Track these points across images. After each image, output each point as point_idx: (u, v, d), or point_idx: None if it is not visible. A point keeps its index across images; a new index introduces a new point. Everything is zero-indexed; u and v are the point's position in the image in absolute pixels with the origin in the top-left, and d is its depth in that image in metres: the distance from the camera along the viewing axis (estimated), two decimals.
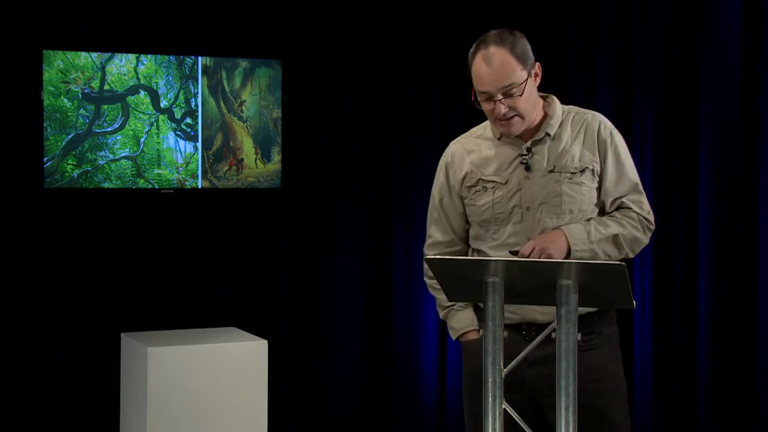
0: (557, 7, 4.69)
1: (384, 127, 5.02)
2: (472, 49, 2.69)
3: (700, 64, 3.95)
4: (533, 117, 2.73)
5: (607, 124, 2.78)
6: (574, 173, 2.73)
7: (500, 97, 2.63)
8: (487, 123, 2.84)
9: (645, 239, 2.78)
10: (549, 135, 2.73)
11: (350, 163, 5.00)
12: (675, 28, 4.06)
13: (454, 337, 2.89)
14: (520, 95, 2.64)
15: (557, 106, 2.78)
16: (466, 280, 2.34)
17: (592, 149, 2.74)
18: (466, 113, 4.88)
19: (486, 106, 2.68)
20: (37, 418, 4.54)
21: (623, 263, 2.22)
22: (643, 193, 2.81)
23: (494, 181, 2.75)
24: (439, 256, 2.39)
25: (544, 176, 2.73)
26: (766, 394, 3.72)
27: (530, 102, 2.69)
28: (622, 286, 2.25)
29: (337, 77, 4.97)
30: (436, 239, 2.89)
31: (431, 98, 5.02)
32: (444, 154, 2.90)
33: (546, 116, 2.76)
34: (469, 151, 2.82)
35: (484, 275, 2.30)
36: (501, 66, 2.62)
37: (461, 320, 2.85)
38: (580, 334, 2.30)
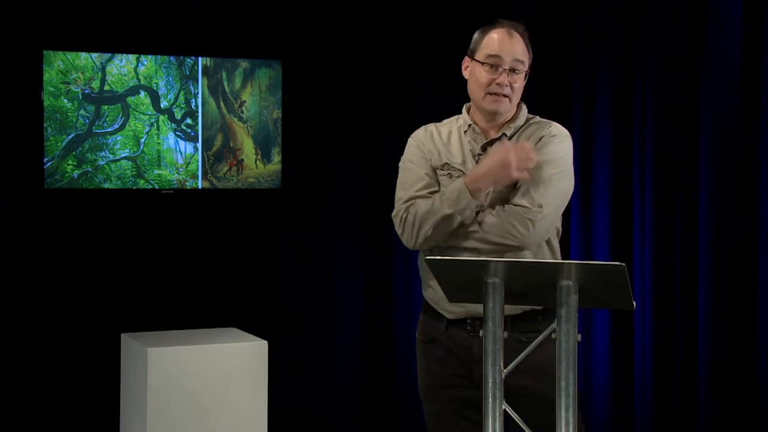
0: (557, 7, 4.70)
1: (384, 127, 5.01)
2: (485, 27, 2.81)
3: (700, 64, 3.95)
4: (512, 111, 2.81)
5: (555, 131, 2.78)
6: None
7: (507, 67, 2.74)
8: (454, 117, 2.90)
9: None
10: (505, 135, 2.79)
11: (350, 163, 5.00)
12: (675, 29, 4.06)
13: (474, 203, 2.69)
14: (520, 78, 2.76)
15: (524, 113, 2.85)
16: (466, 280, 2.34)
17: None
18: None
19: (488, 75, 2.75)
20: (37, 418, 4.54)
21: (623, 264, 2.22)
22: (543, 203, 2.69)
23: (460, 170, 2.79)
24: (438, 257, 2.39)
25: None
26: (767, 393, 3.73)
27: (519, 94, 2.80)
28: (622, 286, 2.25)
29: (337, 77, 4.97)
30: (411, 192, 2.80)
31: (431, 98, 5.01)
32: (412, 135, 2.93)
33: (512, 119, 2.82)
34: (438, 134, 2.88)
35: (484, 276, 2.30)
36: (520, 42, 2.78)
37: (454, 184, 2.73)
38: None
